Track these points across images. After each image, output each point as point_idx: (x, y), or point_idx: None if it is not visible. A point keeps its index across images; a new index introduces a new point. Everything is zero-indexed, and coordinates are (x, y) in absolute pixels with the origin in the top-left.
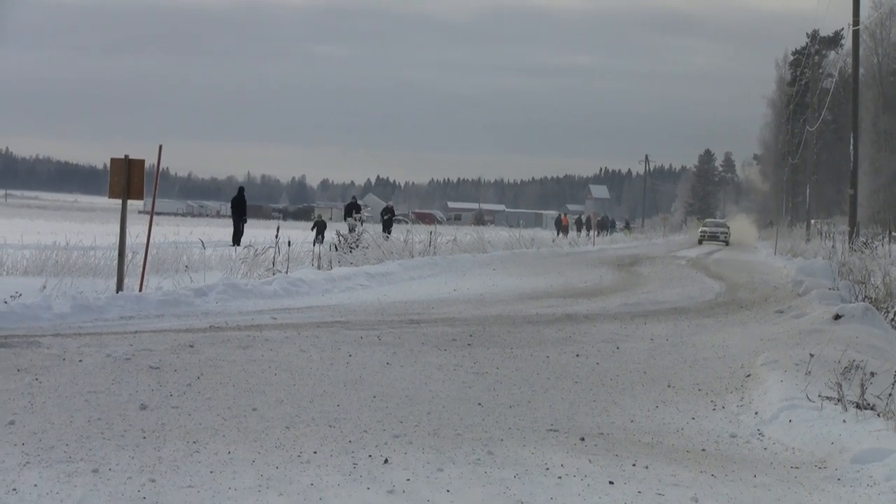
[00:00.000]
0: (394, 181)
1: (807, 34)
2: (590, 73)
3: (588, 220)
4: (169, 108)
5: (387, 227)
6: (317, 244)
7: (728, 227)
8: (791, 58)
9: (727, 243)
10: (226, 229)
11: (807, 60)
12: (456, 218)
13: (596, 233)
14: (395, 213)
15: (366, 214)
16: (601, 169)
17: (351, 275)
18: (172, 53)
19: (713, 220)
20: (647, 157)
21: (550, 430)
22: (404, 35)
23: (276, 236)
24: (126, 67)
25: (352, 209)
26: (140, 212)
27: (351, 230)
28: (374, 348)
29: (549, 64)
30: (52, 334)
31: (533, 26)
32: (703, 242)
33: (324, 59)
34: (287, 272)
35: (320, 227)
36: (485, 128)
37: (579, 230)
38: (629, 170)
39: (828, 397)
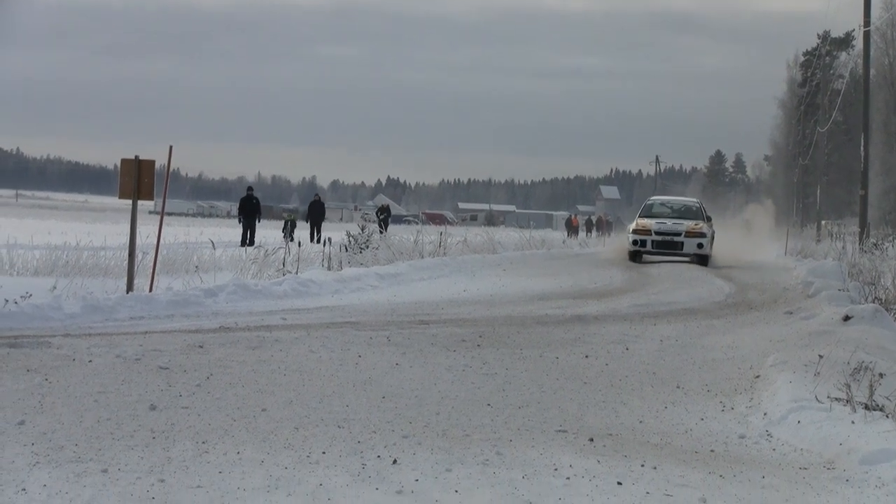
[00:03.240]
0: (404, 182)
1: (817, 35)
2: (600, 75)
3: (599, 220)
4: (179, 109)
5: (383, 227)
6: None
7: (704, 223)
8: (802, 59)
9: (703, 259)
10: (236, 230)
11: (818, 61)
12: (472, 219)
13: (607, 234)
14: (391, 213)
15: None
16: (612, 170)
17: (361, 275)
18: (183, 54)
19: (668, 202)
20: (657, 157)
21: (559, 430)
22: (413, 35)
23: (286, 237)
24: (137, 68)
25: (317, 206)
26: (150, 212)
27: (362, 229)
28: (383, 349)
29: (558, 65)
30: (62, 334)
31: (542, 27)
32: (639, 258)
33: (333, 59)
34: (297, 273)
35: (291, 227)
36: (495, 129)
37: (589, 231)
38: (640, 171)
39: (837, 398)
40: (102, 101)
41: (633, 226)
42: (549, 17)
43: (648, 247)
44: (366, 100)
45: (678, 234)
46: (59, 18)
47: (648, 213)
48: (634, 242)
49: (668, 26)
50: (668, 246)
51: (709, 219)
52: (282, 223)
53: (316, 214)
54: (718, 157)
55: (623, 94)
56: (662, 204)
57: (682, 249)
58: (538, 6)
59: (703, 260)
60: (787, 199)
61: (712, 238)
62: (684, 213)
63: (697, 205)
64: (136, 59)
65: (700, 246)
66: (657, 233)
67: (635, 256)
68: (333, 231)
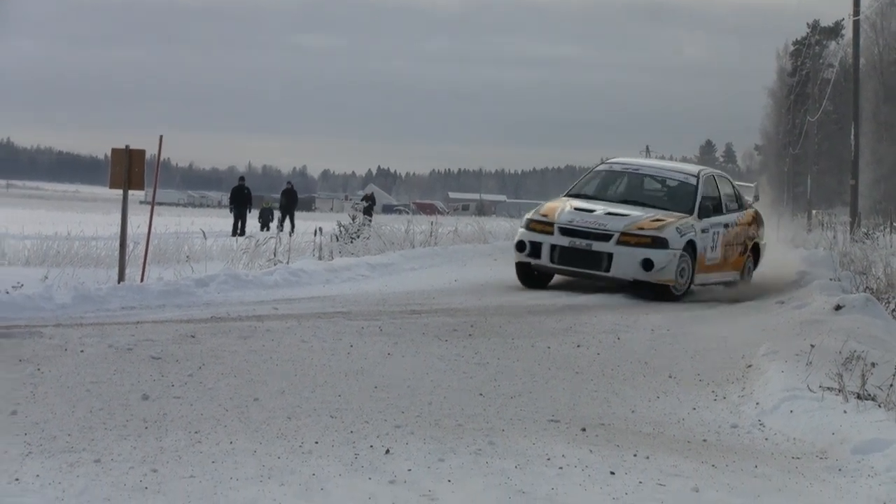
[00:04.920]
0: (395, 171)
1: (807, 24)
2: (587, 65)
3: None
4: (169, 99)
5: (367, 214)
6: (264, 230)
7: (693, 218)
8: (791, 48)
9: (662, 292)
10: (227, 219)
11: (807, 51)
12: (463, 208)
13: None
14: (375, 201)
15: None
16: (602, 159)
17: (352, 265)
18: (172, 44)
19: (639, 169)
20: (647, 147)
21: (552, 420)
22: (396, 25)
23: (277, 226)
24: (126, 58)
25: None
26: (141, 202)
27: (353, 219)
28: (375, 339)
29: (541, 55)
30: (53, 325)
31: (525, 17)
32: (533, 279)
33: (321, 49)
34: (288, 263)
35: (267, 215)
36: (484, 119)
37: None
38: None
39: (829, 388)
40: (93, 91)
41: (530, 214)
42: (531, 7)
43: (545, 257)
44: (356, 90)
45: (604, 237)
46: (47, 7)
47: (584, 190)
48: (521, 247)
49: (651, 16)
50: (580, 259)
51: (736, 204)
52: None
53: (289, 203)
54: (709, 147)
55: (611, 84)
56: (627, 172)
57: (606, 268)
58: None
59: (660, 293)
60: (778, 188)
61: (712, 247)
62: (656, 195)
63: (693, 181)
64: (127, 48)
65: (648, 265)
66: (566, 230)
67: (525, 276)
68: (324, 221)
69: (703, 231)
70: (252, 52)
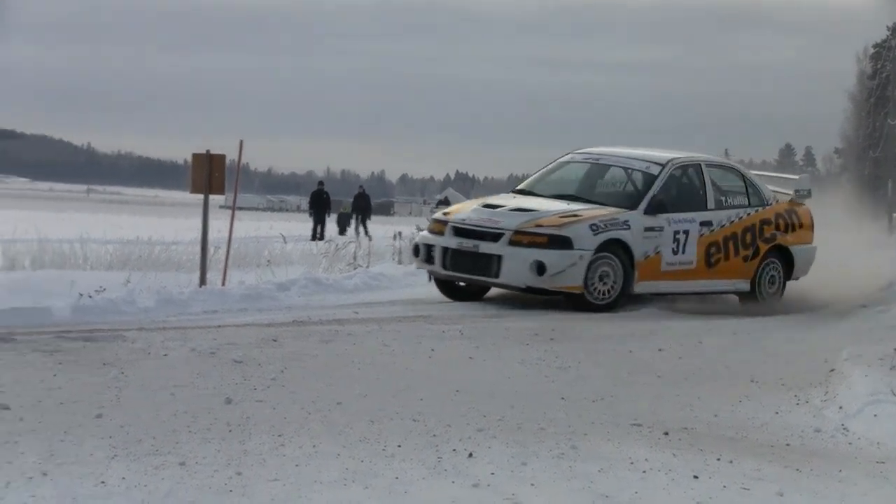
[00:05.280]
0: (473, 176)
1: (887, 27)
2: (668, 68)
3: None
4: (249, 104)
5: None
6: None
7: (627, 211)
8: (871, 51)
9: (578, 301)
10: (307, 224)
11: (887, 53)
12: None
13: None
14: (450, 205)
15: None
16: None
17: None
18: (252, 50)
19: (601, 159)
20: (726, 151)
21: (634, 424)
22: (476, 30)
23: (356, 231)
24: (208, 64)
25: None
26: (221, 207)
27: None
28: (456, 343)
29: (623, 59)
30: (136, 328)
31: (602, 21)
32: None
33: (401, 53)
34: (368, 267)
35: (345, 220)
36: (562, 123)
37: None
38: None
39: None
40: (174, 97)
41: (438, 213)
42: (605, 11)
43: (437, 262)
44: (433, 94)
45: (494, 237)
46: (129, 15)
47: (534, 185)
48: (416, 251)
49: (731, 19)
50: (469, 263)
51: (745, 199)
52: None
53: (361, 207)
54: (788, 151)
55: (691, 87)
56: (588, 162)
57: (495, 273)
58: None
59: (578, 302)
60: (859, 191)
61: (676, 249)
62: (612, 189)
63: (656, 171)
64: (208, 54)
65: (541, 269)
66: (458, 230)
67: (448, 288)
68: (403, 225)
69: (651, 229)
70: (331, 56)
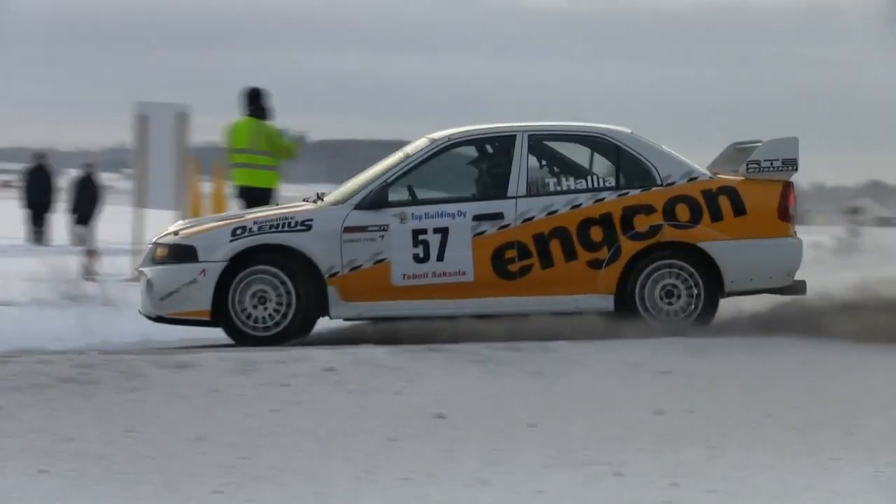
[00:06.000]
0: (888, 184)
1: None
2: None
3: None
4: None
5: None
6: None
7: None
8: None
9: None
10: None
11: None
12: None
13: None
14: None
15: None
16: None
17: None
18: (677, 61)
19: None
20: None
21: None
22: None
23: None
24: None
25: None
26: None
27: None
28: None
29: None
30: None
31: None
32: None
33: (817, 59)
34: None
35: None
36: None
37: None
38: None
39: None
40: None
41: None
42: None
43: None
44: (848, 100)
45: (149, 256)
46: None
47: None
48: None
49: None
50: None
51: (592, 180)
52: None
53: None
54: None
55: None
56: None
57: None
58: None
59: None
60: None
61: (421, 255)
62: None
63: (413, 153)
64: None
65: (149, 289)
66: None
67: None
68: (819, 234)
69: (361, 229)
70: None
